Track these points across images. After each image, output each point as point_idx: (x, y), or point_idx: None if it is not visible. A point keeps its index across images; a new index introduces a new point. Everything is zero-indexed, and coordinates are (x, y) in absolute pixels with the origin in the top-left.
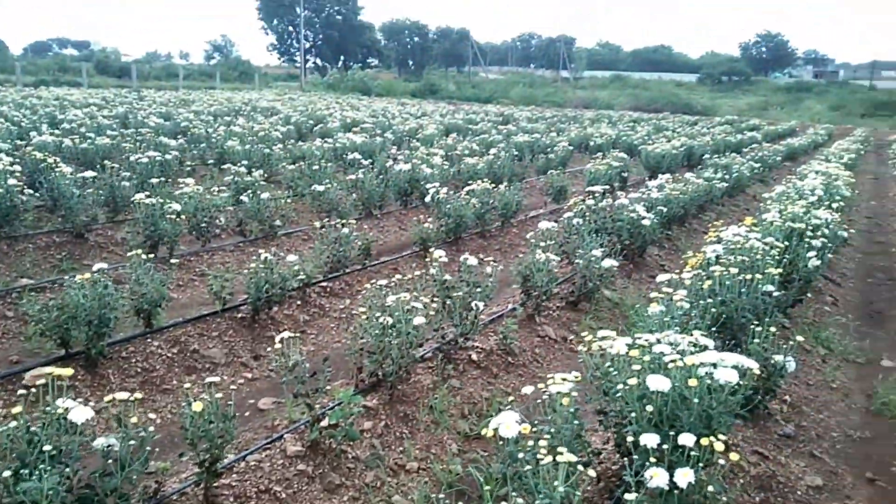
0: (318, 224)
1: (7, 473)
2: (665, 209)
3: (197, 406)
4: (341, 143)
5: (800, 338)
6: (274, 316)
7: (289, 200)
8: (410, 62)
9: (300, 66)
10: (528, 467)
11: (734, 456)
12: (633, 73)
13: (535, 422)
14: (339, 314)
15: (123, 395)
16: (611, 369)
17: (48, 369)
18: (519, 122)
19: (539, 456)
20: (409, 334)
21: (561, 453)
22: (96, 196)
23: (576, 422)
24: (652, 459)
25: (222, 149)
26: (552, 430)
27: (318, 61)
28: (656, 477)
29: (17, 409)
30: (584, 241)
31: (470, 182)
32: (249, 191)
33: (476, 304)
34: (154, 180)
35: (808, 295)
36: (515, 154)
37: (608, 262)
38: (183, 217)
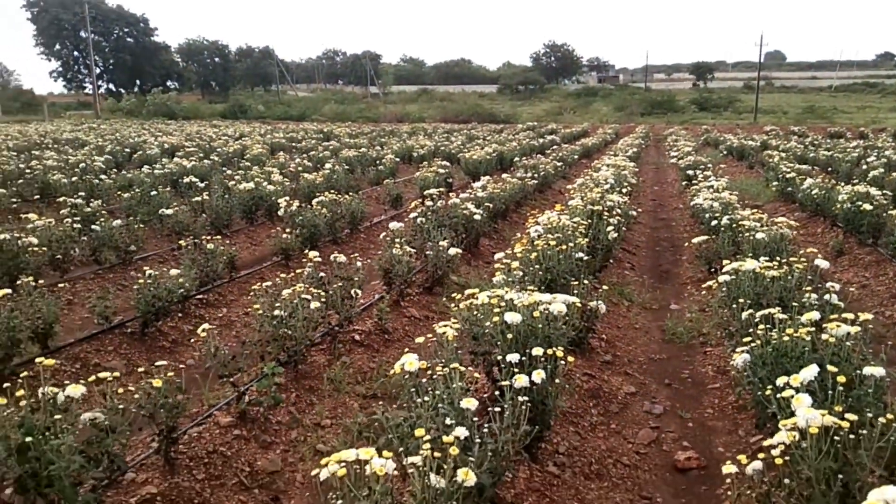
0: (183, 242)
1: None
2: (491, 205)
3: (157, 382)
4: (169, 168)
5: (605, 287)
6: (161, 328)
7: (142, 225)
8: (213, 83)
9: (92, 93)
10: (427, 397)
11: (571, 359)
12: (437, 86)
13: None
14: (219, 322)
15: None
16: (478, 314)
17: None
18: (341, 138)
19: (436, 376)
20: (305, 319)
21: (454, 371)
22: None
23: (459, 352)
24: (516, 371)
25: (44, 183)
26: (442, 361)
27: (112, 86)
28: (520, 380)
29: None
30: (430, 236)
31: (314, 195)
32: (101, 220)
33: (355, 292)
34: None
35: (611, 261)
36: (347, 168)
37: (453, 251)
38: (42, 249)
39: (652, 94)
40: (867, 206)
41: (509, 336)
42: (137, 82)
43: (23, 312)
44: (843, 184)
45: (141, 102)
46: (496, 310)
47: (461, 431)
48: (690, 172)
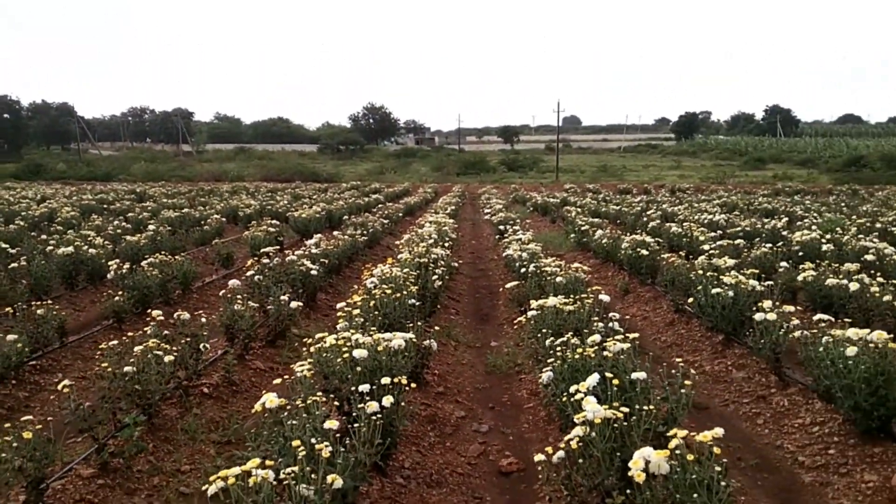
0: (9, 309)
1: None
2: (326, 261)
3: (27, 434)
4: None
5: (437, 328)
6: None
7: None
8: (2, 141)
9: None
10: (291, 422)
11: (413, 385)
12: (256, 144)
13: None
14: (54, 387)
15: None
16: (328, 355)
17: None
18: (157, 198)
19: (298, 407)
20: (158, 373)
21: (311, 403)
22: None
23: (313, 390)
24: (367, 398)
25: None
26: (298, 399)
27: None
28: (371, 406)
29: None
30: (270, 292)
31: (139, 257)
32: None
33: (204, 346)
34: None
35: (439, 307)
36: (170, 229)
37: (294, 304)
38: None
39: (466, 155)
40: (644, 252)
41: (358, 369)
42: None
43: None
44: (628, 234)
45: None
46: (344, 349)
47: (327, 447)
48: (502, 227)
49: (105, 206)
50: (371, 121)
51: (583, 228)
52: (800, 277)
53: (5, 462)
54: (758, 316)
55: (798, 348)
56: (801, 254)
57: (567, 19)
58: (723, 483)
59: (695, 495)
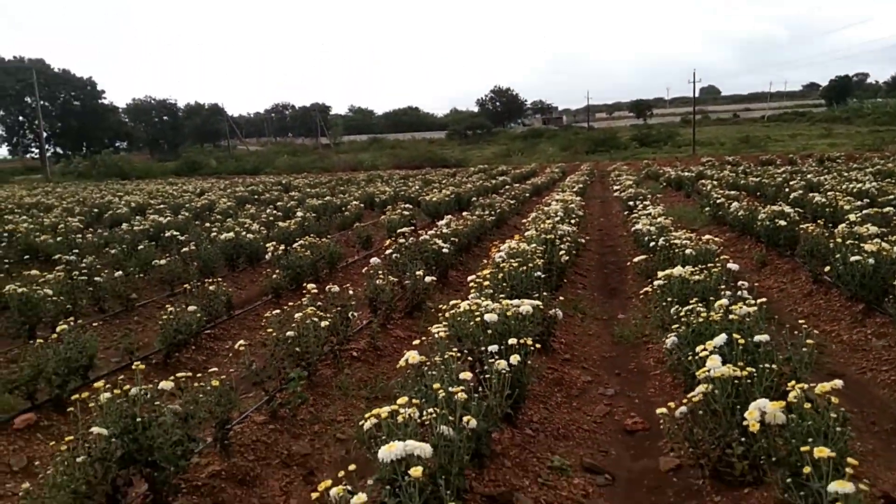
0: (188, 286)
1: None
2: (456, 240)
3: (215, 382)
4: (146, 224)
5: (562, 299)
6: (180, 359)
7: (141, 275)
8: (162, 141)
9: (39, 157)
10: (431, 372)
11: (539, 346)
12: (387, 134)
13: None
14: (226, 353)
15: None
16: (461, 318)
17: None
18: (301, 188)
19: (433, 373)
20: (316, 337)
21: (448, 358)
22: None
23: (448, 353)
24: (496, 358)
25: (27, 244)
26: (437, 356)
27: (59, 150)
28: (500, 364)
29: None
30: (407, 268)
31: (290, 241)
32: (103, 273)
33: (352, 314)
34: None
35: (565, 282)
36: (314, 215)
37: (429, 279)
38: (60, 299)
39: (595, 132)
40: (782, 223)
41: (489, 332)
42: (85, 144)
43: (70, 348)
44: (767, 206)
45: (92, 164)
46: (476, 314)
47: (462, 393)
48: (631, 203)
49: (256, 196)
50: (498, 104)
51: (718, 201)
52: None
53: (200, 404)
54: None
55: None
56: None
57: None
58: (838, 429)
59: (810, 440)
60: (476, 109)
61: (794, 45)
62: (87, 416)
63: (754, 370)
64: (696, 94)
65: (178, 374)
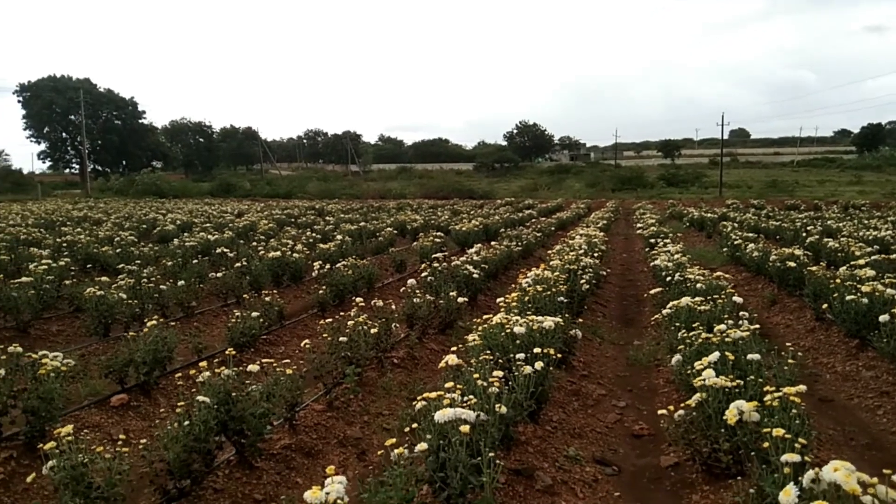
0: (245, 296)
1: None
2: (486, 266)
3: (288, 370)
4: (194, 241)
5: (581, 320)
6: (241, 359)
7: (201, 285)
8: (197, 162)
9: (79, 173)
10: (469, 368)
11: (557, 355)
12: (416, 164)
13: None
14: (280, 356)
15: (255, 368)
16: (493, 330)
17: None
18: (335, 213)
19: (472, 369)
20: (366, 342)
21: (482, 360)
22: (28, 297)
23: (482, 355)
24: (522, 363)
25: (87, 254)
26: (473, 360)
27: (98, 166)
28: (526, 369)
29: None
30: (441, 289)
31: (332, 261)
32: (169, 281)
33: (395, 326)
34: (68, 282)
35: (585, 308)
36: (349, 239)
37: (461, 299)
38: (133, 302)
39: (622, 170)
40: (792, 264)
41: (517, 342)
42: (123, 162)
43: (156, 341)
44: (783, 248)
45: (130, 182)
46: (506, 326)
47: (495, 385)
48: (653, 241)
49: (293, 219)
50: (525, 138)
51: (735, 242)
52: None
53: (280, 385)
54: (882, 318)
55: None
56: None
57: (739, 29)
58: (797, 421)
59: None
60: (504, 143)
61: (825, 90)
62: (169, 399)
63: (742, 382)
64: (725, 137)
65: (262, 362)
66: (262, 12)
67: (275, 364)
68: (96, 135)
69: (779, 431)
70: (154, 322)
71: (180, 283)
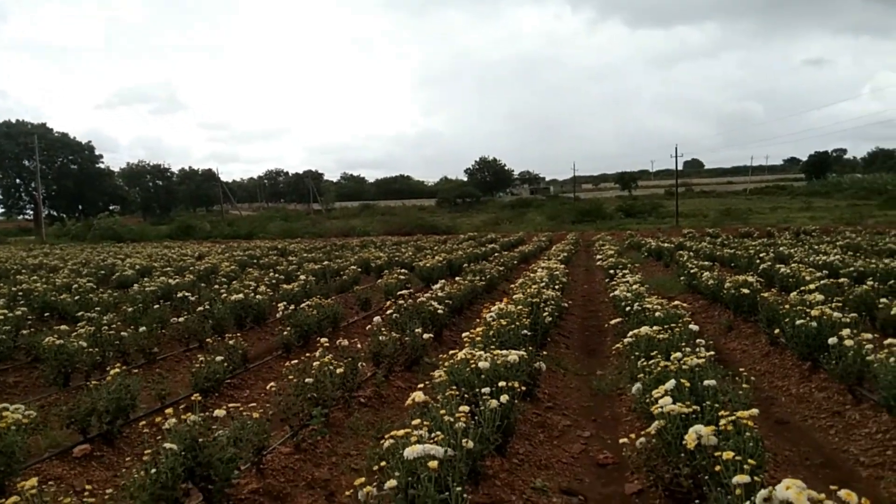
0: (209, 339)
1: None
2: (450, 302)
3: (255, 414)
4: (154, 286)
5: (546, 353)
6: (205, 404)
7: (162, 331)
8: (155, 205)
9: (33, 219)
10: (436, 405)
11: (522, 388)
12: (378, 201)
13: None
14: (245, 400)
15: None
16: (458, 366)
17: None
18: (298, 253)
19: (438, 405)
20: (332, 382)
21: (448, 395)
22: None
23: (448, 391)
24: (488, 397)
25: (44, 302)
26: (440, 396)
27: (53, 212)
28: (492, 403)
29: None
30: (406, 326)
31: (296, 301)
32: (130, 328)
33: (361, 365)
34: (25, 331)
35: (549, 341)
36: (313, 279)
37: (427, 336)
38: (94, 350)
39: (581, 203)
40: (746, 291)
41: (482, 377)
42: (80, 207)
43: (119, 390)
44: (737, 276)
45: (87, 227)
46: (471, 361)
47: (462, 420)
48: (612, 272)
49: (255, 260)
50: (486, 173)
51: (692, 271)
52: (893, 311)
53: (246, 430)
54: (831, 340)
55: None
56: None
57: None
58: (750, 444)
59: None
60: (465, 178)
61: (772, 121)
62: (133, 447)
63: (699, 407)
64: (680, 168)
65: (228, 406)
66: (222, 54)
67: (241, 408)
68: (52, 179)
69: (729, 454)
70: (117, 370)
71: (141, 329)
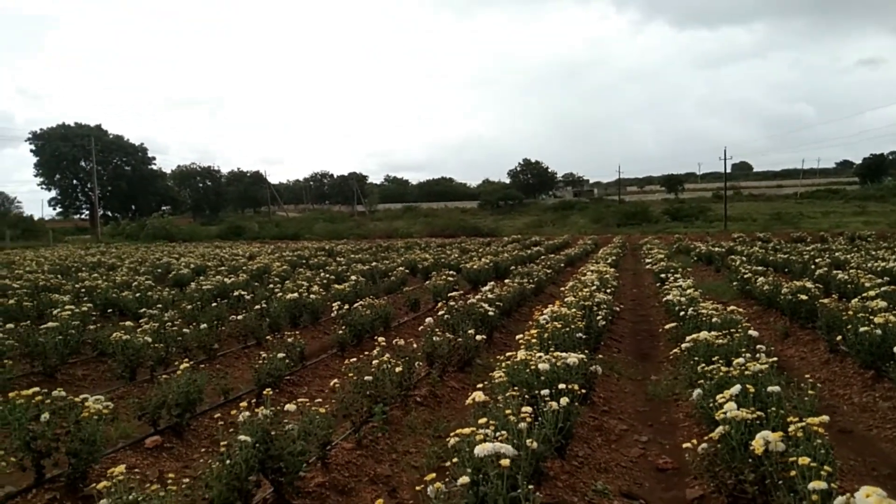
0: (269, 338)
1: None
2: (501, 304)
3: (321, 409)
4: (210, 284)
5: (600, 356)
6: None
7: (221, 328)
8: (205, 206)
9: (88, 219)
10: (498, 405)
11: (581, 391)
12: (421, 203)
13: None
14: (304, 396)
15: (292, 407)
16: (517, 366)
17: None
18: (346, 254)
19: (500, 405)
20: (391, 380)
21: (509, 396)
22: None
23: (509, 392)
24: (549, 400)
25: (106, 300)
26: (499, 396)
27: (108, 212)
28: (552, 405)
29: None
30: (458, 327)
31: (349, 301)
32: (190, 325)
33: (418, 364)
34: (91, 327)
35: (602, 345)
36: (363, 279)
37: (479, 337)
38: (159, 346)
39: (626, 206)
40: (804, 297)
41: (542, 378)
42: (133, 207)
43: (188, 384)
44: (793, 281)
45: (140, 227)
46: (531, 362)
47: (525, 421)
48: (663, 276)
49: (304, 261)
50: (529, 176)
51: (745, 276)
52: None
53: (310, 427)
54: None
55: None
56: None
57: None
58: (822, 451)
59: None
60: (507, 180)
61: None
62: (200, 440)
63: (764, 413)
64: (728, 170)
65: (298, 401)
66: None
67: (308, 403)
68: (106, 181)
69: (804, 460)
70: (186, 365)
71: (202, 326)
